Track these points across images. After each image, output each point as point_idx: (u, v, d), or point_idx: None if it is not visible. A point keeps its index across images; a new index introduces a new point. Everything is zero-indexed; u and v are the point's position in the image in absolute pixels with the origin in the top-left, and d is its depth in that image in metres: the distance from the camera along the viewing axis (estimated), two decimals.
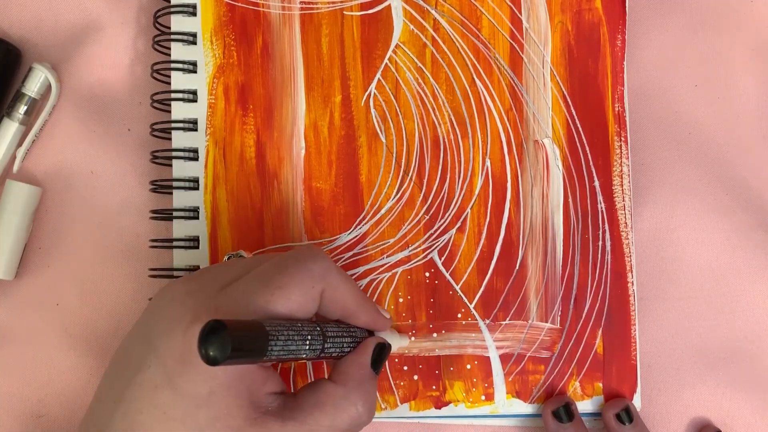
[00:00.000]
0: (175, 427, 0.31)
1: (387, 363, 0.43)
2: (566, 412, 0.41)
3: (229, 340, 0.26)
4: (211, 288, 0.33)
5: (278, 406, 0.33)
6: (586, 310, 0.43)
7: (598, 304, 0.43)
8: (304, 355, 0.31)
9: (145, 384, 0.32)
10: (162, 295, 0.35)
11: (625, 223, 0.44)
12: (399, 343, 0.41)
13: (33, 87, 0.43)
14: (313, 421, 0.32)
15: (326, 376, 0.36)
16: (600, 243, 0.43)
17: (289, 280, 0.33)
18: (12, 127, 0.43)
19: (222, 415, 0.31)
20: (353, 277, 0.43)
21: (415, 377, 0.43)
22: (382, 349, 0.37)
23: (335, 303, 0.35)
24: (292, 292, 0.33)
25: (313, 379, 0.42)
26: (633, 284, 0.43)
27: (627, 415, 0.41)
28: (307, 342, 0.31)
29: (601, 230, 0.43)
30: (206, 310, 0.32)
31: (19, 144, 0.44)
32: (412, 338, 0.43)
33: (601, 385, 0.43)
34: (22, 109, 0.43)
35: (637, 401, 0.43)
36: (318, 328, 0.33)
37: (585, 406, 0.43)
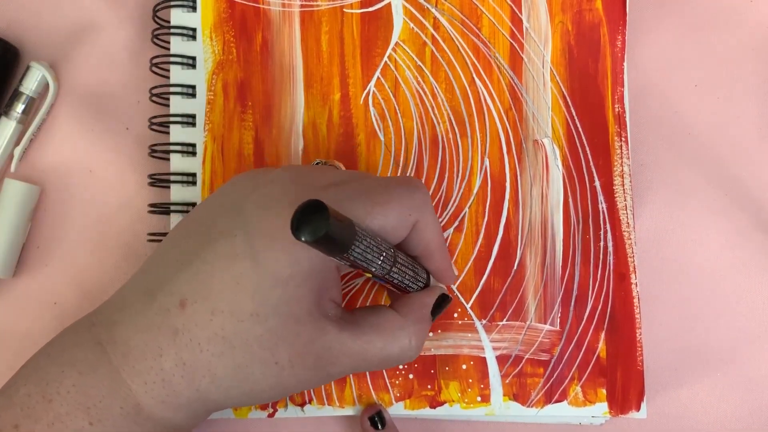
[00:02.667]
0: (242, 300, 0.31)
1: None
2: (380, 418, 0.40)
3: (326, 223, 0.26)
4: (314, 183, 0.33)
5: (336, 315, 0.33)
6: (587, 313, 0.42)
7: (600, 306, 0.42)
8: (374, 269, 0.31)
9: (226, 251, 0.31)
10: (258, 175, 0.35)
11: (627, 222, 0.42)
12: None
13: (31, 86, 0.42)
14: (367, 340, 0.33)
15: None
16: (602, 243, 0.42)
17: (390, 200, 0.33)
18: (9, 125, 0.42)
19: (291, 301, 0.31)
20: (350, 276, 0.42)
21: (411, 376, 0.41)
22: (444, 299, 0.37)
23: (421, 238, 0.35)
24: (391, 212, 0.33)
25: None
26: (636, 285, 0.42)
27: (380, 419, 0.40)
28: (381, 258, 0.31)
29: (602, 230, 0.42)
30: (308, 198, 0.31)
31: (17, 143, 0.42)
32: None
33: (605, 391, 0.41)
34: (20, 107, 0.42)
35: (643, 410, 0.41)
36: (392, 251, 0.33)
37: (587, 412, 0.41)
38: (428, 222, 0.35)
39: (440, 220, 0.42)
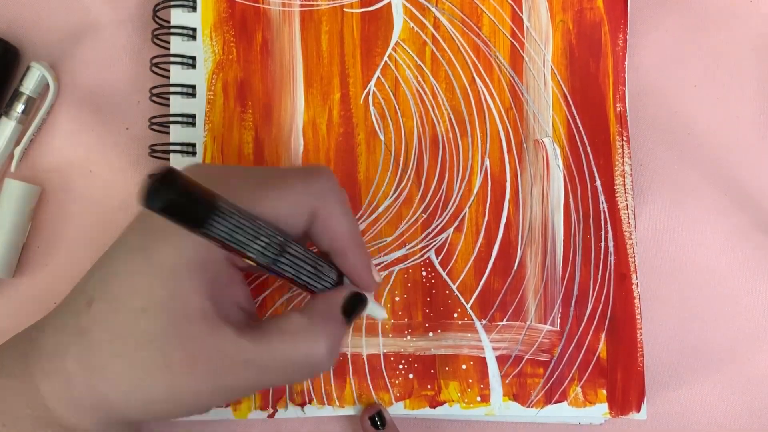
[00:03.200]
0: (136, 295, 0.30)
1: (383, 360, 0.41)
2: (380, 418, 0.40)
3: (175, 190, 0.24)
4: (214, 175, 0.32)
5: (238, 321, 0.31)
6: (588, 313, 0.41)
7: (601, 307, 0.41)
8: (252, 255, 0.29)
9: (127, 246, 0.31)
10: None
11: (628, 222, 0.42)
12: (375, 313, 0.36)
13: (31, 86, 0.42)
14: (268, 344, 0.30)
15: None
16: (603, 243, 0.42)
17: (284, 185, 0.31)
18: (10, 126, 0.42)
19: (180, 296, 0.29)
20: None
21: (411, 376, 0.41)
22: (357, 299, 0.33)
23: (325, 230, 0.32)
24: (283, 198, 0.31)
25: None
26: (637, 286, 0.42)
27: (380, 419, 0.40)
28: (260, 242, 0.29)
29: (603, 230, 0.42)
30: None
31: (17, 143, 0.42)
32: (408, 337, 0.41)
33: (605, 392, 0.41)
34: (20, 107, 0.42)
35: (644, 411, 0.41)
36: (280, 238, 0.30)
37: (587, 413, 0.41)
38: (333, 212, 0.32)
39: (440, 219, 0.42)
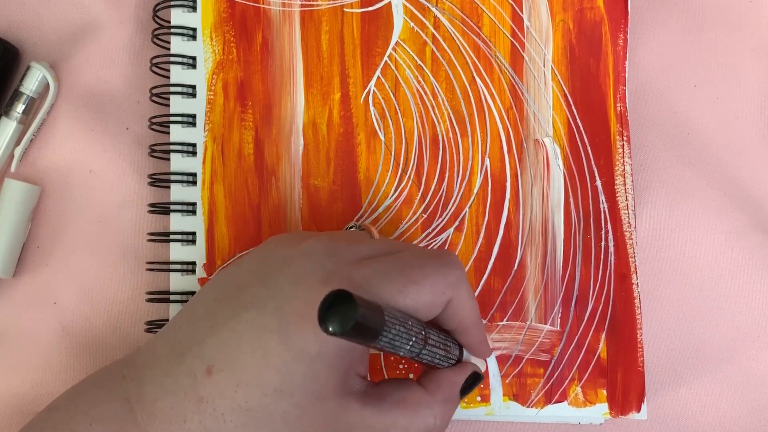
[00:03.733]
0: (268, 374, 0.30)
1: (383, 360, 0.41)
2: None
3: (354, 317, 0.25)
4: (348, 257, 0.33)
5: (360, 390, 0.32)
6: (588, 313, 0.41)
7: (601, 307, 0.41)
8: (402, 353, 0.30)
9: (255, 323, 0.31)
10: (293, 243, 0.34)
11: (629, 222, 0.42)
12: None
13: (31, 86, 0.42)
14: (391, 417, 0.32)
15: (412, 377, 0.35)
16: (603, 243, 0.42)
17: (425, 279, 0.32)
18: (10, 126, 0.42)
19: (317, 378, 0.30)
20: None
21: (411, 376, 0.41)
22: (476, 379, 0.36)
23: (455, 315, 0.34)
24: (425, 291, 0.32)
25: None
26: (638, 286, 0.42)
27: None
28: (411, 342, 0.30)
29: (603, 230, 0.42)
30: (339, 276, 0.31)
31: (17, 143, 0.42)
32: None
33: (605, 392, 0.41)
34: (20, 108, 0.42)
35: (644, 411, 0.41)
36: (423, 333, 0.32)
37: (587, 413, 0.41)
38: (463, 299, 0.34)
39: (440, 219, 0.42)
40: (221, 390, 0.31)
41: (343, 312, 0.25)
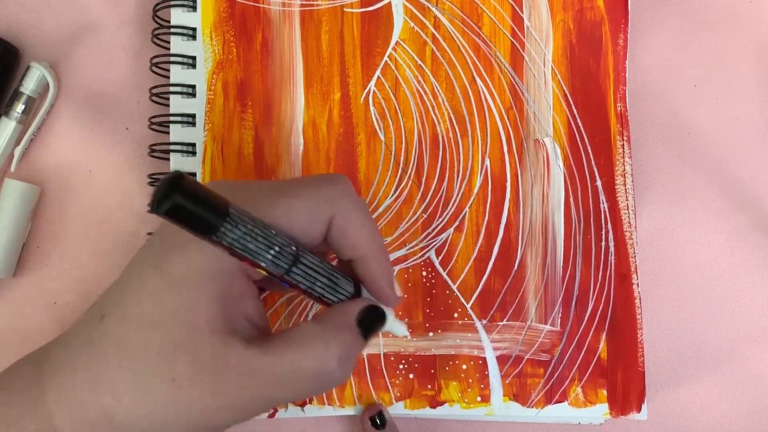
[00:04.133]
0: (146, 306, 0.29)
1: (383, 360, 0.41)
2: (381, 418, 0.39)
3: (183, 194, 0.24)
4: (228, 186, 0.30)
5: (249, 335, 0.30)
6: (588, 313, 0.41)
7: (601, 307, 0.41)
8: (264, 264, 0.28)
9: (140, 258, 0.31)
10: None
11: (629, 222, 0.42)
12: (395, 329, 0.34)
13: (31, 86, 0.42)
14: (278, 353, 0.29)
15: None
16: (603, 243, 0.41)
17: (299, 193, 0.30)
18: (10, 125, 0.42)
19: (189, 307, 0.29)
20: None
21: (411, 376, 0.41)
22: (374, 313, 0.32)
23: (345, 237, 0.31)
24: (296, 206, 0.30)
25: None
26: (638, 286, 0.41)
27: (381, 419, 0.39)
28: (272, 252, 0.28)
29: (604, 230, 0.42)
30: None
31: (17, 143, 0.42)
32: (408, 337, 0.41)
33: (605, 392, 0.41)
34: (20, 107, 0.42)
35: (644, 411, 0.40)
36: (294, 248, 0.29)
37: (588, 413, 0.41)
38: (349, 218, 0.31)
39: (440, 219, 0.42)
40: (108, 330, 0.30)
41: (175, 192, 0.24)
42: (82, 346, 0.30)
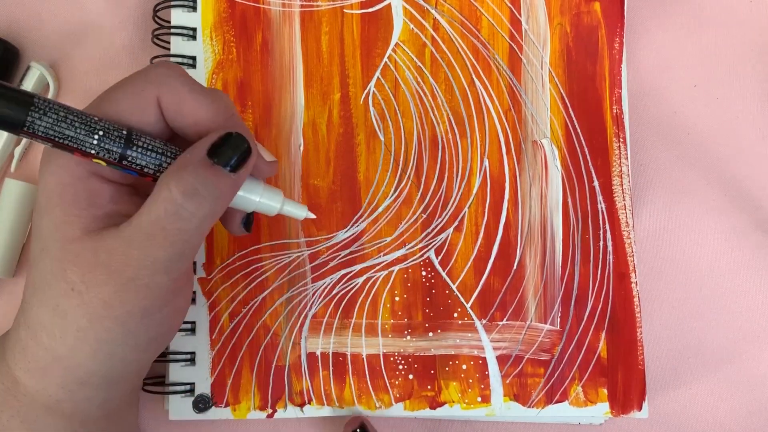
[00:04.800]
0: (36, 233, 0.31)
1: (383, 361, 0.40)
2: (363, 430, 0.39)
3: None
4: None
5: (116, 224, 0.30)
6: (587, 312, 0.41)
7: (600, 306, 0.41)
8: (93, 151, 0.29)
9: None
10: None
11: (627, 222, 0.41)
12: (293, 211, 0.34)
13: (31, 86, 0.41)
14: (136, 217, 0.29)
15: None
16: (601, 243, 0.41)
17: (123, 82, 0.31)
18: None
19: (59, 223, 0.30)
20: (349, 275, 0.41)
21: (411, 377, 0.40)
22: (230, 140, 0.30)
23: (182, 116, 0.31)
24: (120, 92, 0.30)
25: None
26: (637, 285, 0.41)
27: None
28: (96, 137, 0.29)
29: (602, 230, 0.41)
30: None
31: (17, 143, 0.42)
32: (408, 337, 0.41)
33: (606, 391, 0.40)
34: None
35: (645, 410, 0.40)
36: (124, 132, 0.29)
37: (588, 412, 0.40)
38: (177, 92, 0.30)
39: (440, 219, 0.42)
40: (27, 281, 0.32)
41: None
42: (21, 306, 0.32)
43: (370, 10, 0.42)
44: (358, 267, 0.41)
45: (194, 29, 0.42)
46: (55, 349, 0.30)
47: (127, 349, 0.31)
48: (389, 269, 0.41)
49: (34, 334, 0.31)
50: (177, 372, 0.40)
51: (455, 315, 0.41)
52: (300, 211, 0.34)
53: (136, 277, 0.29)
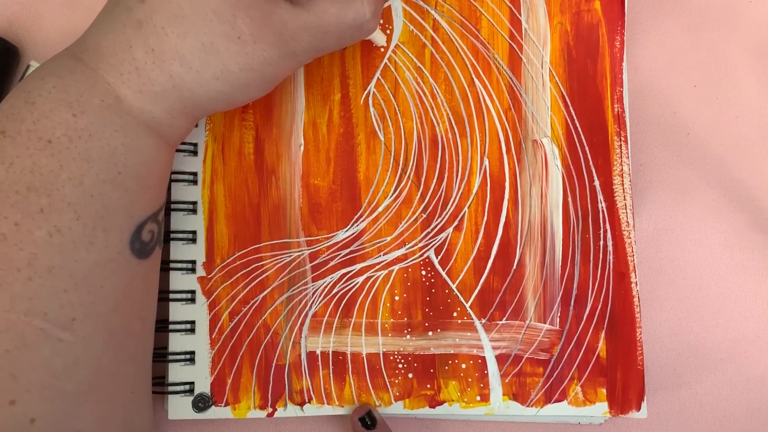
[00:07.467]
0: None
1: (382, 360, 0.40)
2: (371, 418, 0.39)
3: None
4: None
5: None
6: (587, 312, 0.40)
7: (600, 306, 0.40)
8: None
9: None
10: None
11: (627, 222, 0.41)
12: (377, 39, 0.40)
13: None
14: (322, 8, 0.32)
15: None
16: (601, 242, 0.41)
17: None
18: None
19: None
20: (349, 275, 0.40)
21: (410, 375, 0.40)
22: None
23: None
24: None
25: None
26: (636, 284, 0.40)
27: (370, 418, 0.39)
28: None
29: (602, 229, 0.41)
30: None
31: None
32: (408, 336, 0.40)
33: (605, 391, 0.40)
34: None
35: (644, 410, 0.39)
36: None
37: (587, 412, 0.40)
38: None
39: (440, 219, 0.41)
40: (155, 7, 0.31)
41: None
42: (131, 27, 0.31)
43: None
44: (358, 266, 0.40)
45: None
46: (183, 79, 0.32)
47: (241, 100, 0.34)
48: (389, 269, 0.40)
49: (162, 60, 0.31)
50: (176, 371, 0.39)
51: (455, 314, 0.40)
52: (381, 39, 0.41)
53: (298, 53, 0.33)
